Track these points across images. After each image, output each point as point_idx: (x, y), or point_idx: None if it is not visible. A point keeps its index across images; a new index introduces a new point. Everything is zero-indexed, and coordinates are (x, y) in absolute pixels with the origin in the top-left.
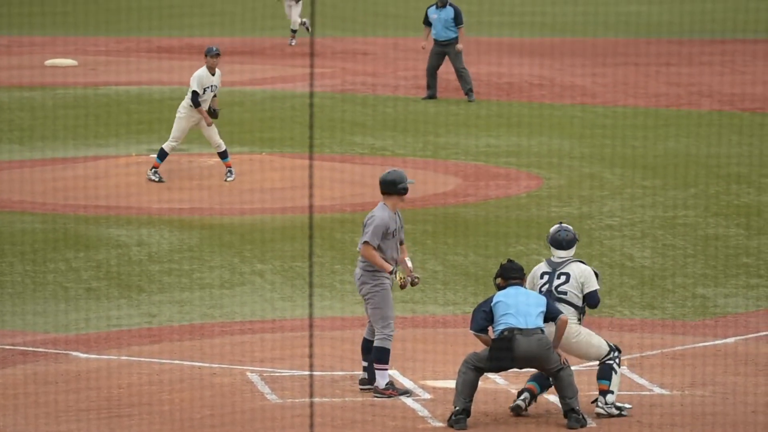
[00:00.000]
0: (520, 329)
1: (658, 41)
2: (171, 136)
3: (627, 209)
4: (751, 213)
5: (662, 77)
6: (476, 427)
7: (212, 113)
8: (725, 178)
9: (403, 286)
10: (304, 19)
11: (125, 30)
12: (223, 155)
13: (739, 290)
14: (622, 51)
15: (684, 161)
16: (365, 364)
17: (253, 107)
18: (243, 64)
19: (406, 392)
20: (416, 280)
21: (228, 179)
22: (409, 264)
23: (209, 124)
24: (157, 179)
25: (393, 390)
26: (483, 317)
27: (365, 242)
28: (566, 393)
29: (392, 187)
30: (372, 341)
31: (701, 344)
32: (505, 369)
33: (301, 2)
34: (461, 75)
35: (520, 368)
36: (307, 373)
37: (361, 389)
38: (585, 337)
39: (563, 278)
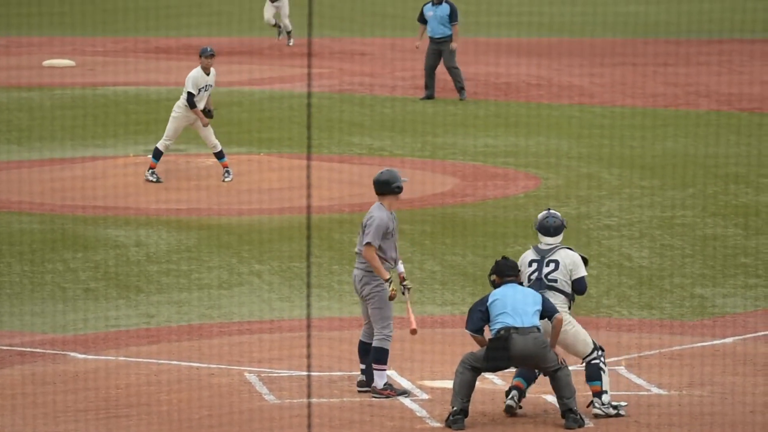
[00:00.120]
0: (516, 328)
1: (655, 41)
2: (165, 135)
3: (625, 209)
4: (749, 213)
5: (660, 77)
6: (474, 428)
7: (207, 113)
8: (723, 178)
9: (391, 298)
10: (278, 22)
11: (123, 30)
12: (219, 156)
13: (738, 290)
14: (619, 51)
15: (682, 161)
16: (363, 366)
17: (251, 107)
18: (241, 65)
19: (404, 392)
20: (406, 292)
21: (226, 179)
22: (401, 268)
23: (205, 125)
24: (154, 180)
25: (391, 390)
26: (479, 317)
27: (367, 243)
28: (564, 393)
29: (387, 187)
30: (368, 343)
31: (699, 344)
32: (502, 369)
33: (277, 2)
34: (452, 73)
35: (518, 368)
36: (305, 373)
37: (359, 391)
38: (575, 328)
39: (552, 266)
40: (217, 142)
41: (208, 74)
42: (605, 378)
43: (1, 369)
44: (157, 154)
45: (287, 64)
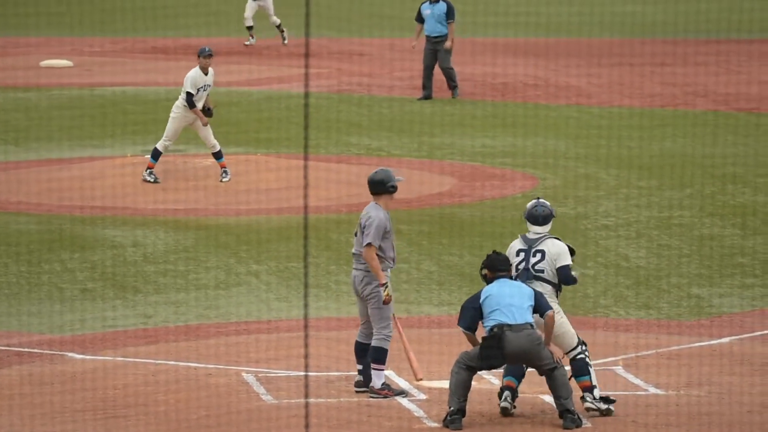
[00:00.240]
0: (510, 325)
1: (653, 41)
2: (164, 135)
3: (622, 209)
4: (746, 213)
5: (657, 77)
6: (472, 427)
7: (206, 112)
8: (721, 178)
9: (386, 302)
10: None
11: (120, 30)
12: (217, 156)
13: (735, 290)
14: (617, 51)
15: (679, 161)
16: (360, 367)
17: (248, 107)
18: (239, 65)
19: (402, 393)
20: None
21: (223, 180)
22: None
23: (205, 124)
24: (152, 180)
25: (389, 390)
26: (472, 314)
27: (368, 244)
28: (561, 393)
29: (382, 187)
30: (365, 344)
31: (697, 344)
32: (497, 366)
33: (260, 1)
34: (447, 74)
35: (512, 365)
36: (302, 373)
37: (357, 391)
38: (563, 320)
39: (539, 256)
40: (216, 142)
41: (206, 74)
42: (592, 372)
43: None
44: (156, 155)
45: (285, 65)
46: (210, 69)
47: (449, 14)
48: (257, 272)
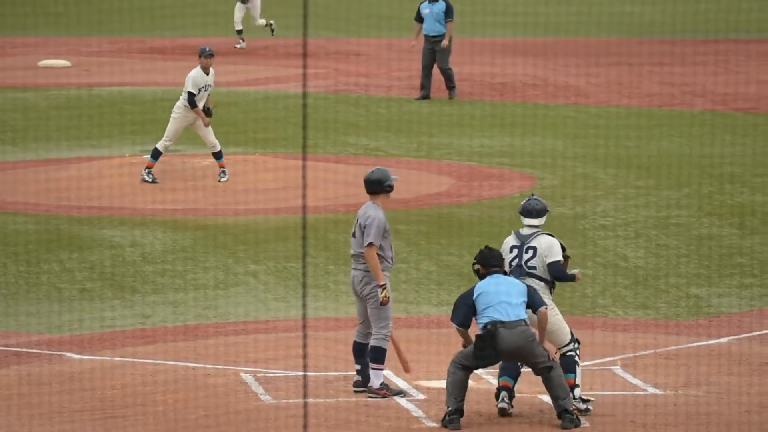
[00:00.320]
0: (503, 322)
1: (651, 41)
2: (165, 135)
3: (620, 209)
4: (744, 213)
5: (655, 77)
6: (470, 427)
7: (206, 112)
8: (719, 177)
9: (383, 304)
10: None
11: (118, 31)
12: (217, 155)
13: (733, 290)
14: (615, 51)
15: (677, 161)
16: (358, 367)
17: (246, 108)
18: (237, 65)
19: (400, 392)
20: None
21: (221, 180)
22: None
23: (206, 124)
24: (150, 180)
25: (387, 390)
26: (465, 311)
27: (370, 244)
28: (558, 393)
29: (379, 186)
30: (363, 344)
31: (695, 344)
32: (493, 364)
33: (248, 4)
34: (445, 74)
35: (507, 363)
36: (301, 373)
37: (355, 391)
38: (557, 316)
39: (531, 252)
40: (216, 141)
41: (207, 74)
42: (579, 371)
43: None
44: (156, 154)
45: (282, 65)
46: (211, 69)
47: (448, 13)
48: (255, 272)
